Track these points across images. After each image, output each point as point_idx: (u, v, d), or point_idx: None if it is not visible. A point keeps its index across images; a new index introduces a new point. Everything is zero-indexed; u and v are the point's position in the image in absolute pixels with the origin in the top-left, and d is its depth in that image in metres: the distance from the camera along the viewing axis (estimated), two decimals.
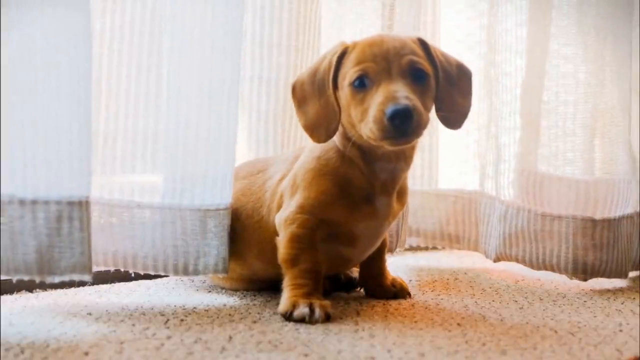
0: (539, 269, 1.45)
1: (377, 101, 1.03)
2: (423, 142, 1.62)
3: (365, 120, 1.05)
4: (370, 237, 1.18)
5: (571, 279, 1.44)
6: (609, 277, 1.43)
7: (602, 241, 1.41)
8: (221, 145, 1.18)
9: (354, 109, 1.08)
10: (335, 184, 1.13)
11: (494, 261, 1.51)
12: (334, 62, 1.11)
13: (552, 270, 1.44)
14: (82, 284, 1.28)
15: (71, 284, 1.26)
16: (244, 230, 1.21)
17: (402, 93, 1.03)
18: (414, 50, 1.09)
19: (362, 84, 1.07)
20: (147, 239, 1.17)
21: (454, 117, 1.15)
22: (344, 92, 1.09)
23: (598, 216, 1.42)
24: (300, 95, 1.15)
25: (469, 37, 1.63)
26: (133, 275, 1.29)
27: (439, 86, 1.12)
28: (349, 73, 1.08)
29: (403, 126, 1.01)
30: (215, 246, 1.18)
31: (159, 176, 1.19)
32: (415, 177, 1.61)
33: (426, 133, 1.57)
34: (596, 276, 1.42)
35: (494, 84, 1.52)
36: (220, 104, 1.17)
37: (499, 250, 1.49)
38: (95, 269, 1.24)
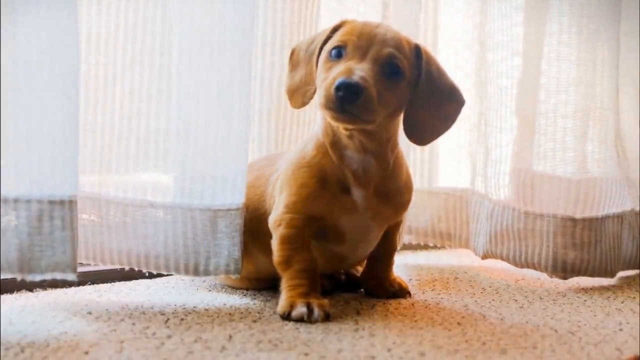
0: (521, 267, 1.46)
1: (336, 71, 1.05)
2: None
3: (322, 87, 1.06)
4: (358, 234, 1.17)
5: (551, 277, 1.45)
6: (591, 276, 1.43)
7: (582, 240, 1.42)
8: (231, 145, 1.18)
9: (321, 76, 1.09)
10: (313, 175, 1.13)
11: (482, 259, 1.52)
12: (327, 32, 1.13)
13: (534, 268, 1.45)
14: (82, 283, 1.28)
15: (71, 284, 1.26)
16: (250, 222, 1.21)
17: (359, 72, 1.03)
18: (402, 48, 1.09)
19: (338, 55, 1.08)
20: (160, 238, 1.18)
21: (420, 133, 1.15)
22: (322, 58, 1.11)
23: (578, 215, 1.42)
24: (295, 60, 1.18)
25: (466, 35, 1.63)
26: (135, 273, 1.29)
27: (417, 95, 1.11)
28: (331, 41, 1.10)
29: (345, 100, 1.01)
30: (226, 247, 1.18)
31: (171, 176, 1.20)
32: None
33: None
34: (577, 275, 1.42)
35: (484, 83, 1.53)
36: (231, 103, 1.18)
37: (486, 248, 1.50)
38: (109, 267, 1.26)
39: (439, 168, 1.68)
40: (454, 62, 1.64)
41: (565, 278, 1.43)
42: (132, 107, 1.19)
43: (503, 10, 1.48)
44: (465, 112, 1.59)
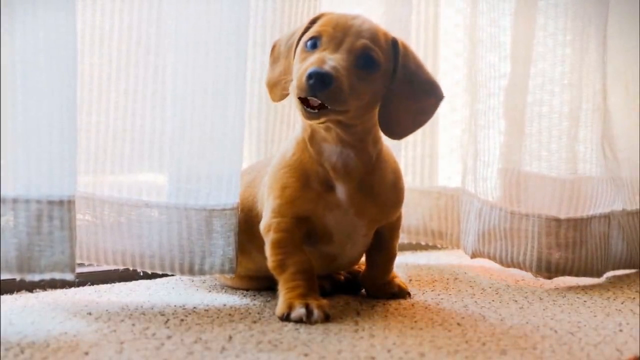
0: (507, 266, 1.47)
1: (309, 61, 1.04)
2: (408, 140, 1.62)
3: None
4: (344, 232, 1.16)
5: (536, 277, 1.46)
6: (577, 275, 1.44)
7: (567, 240, 1.43)
8: (227, 145, 1.19)
9: (296, 66, 1.09)
10: (293, 175, 1.13)
11: (471, 257, 1.53)
12: (305, 24, 1.13)
13: (519, 268, 1.46)
14: (81, 283, 1.28)
15: (71, 284, 1.26)
16: (247, 223, 1.21)
17: (331, 62, 1.03)
18: (377, 40, 1.09)
19: (313, 46, 1.08)
20: (155, 238, 1.18)
21: (393, 126, 1.13)
22: (298, 49, 1.11)
23: (563, 215, 1.43)
24: (276, 54, 1.18)
25: (466, 38, 1.63)
26: (134, 274, 1.29)
27: (393, 88, 1.11)
28: (308, 33, 1.10)
29: (316, 88, 1.01)
30: (221, 246, 1.19)
31: (166, 176, 1.20)
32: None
33: (421, 132, 1.60)
34: (562, 275, 1.44)
35: (474, 84, 1.53)
36: (226, 104, 1.18)
37: (474, 247, 1.51)
38: (109, 267, 1.26)
39: (437, 168, 1.68)
40: (453, 64, 1.65)
41: (549, 278, 1.45)
42: (126, 108, 1.19)
43: (494, 14, 1.49)
44: (464, 113, 1.61)
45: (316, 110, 1.04)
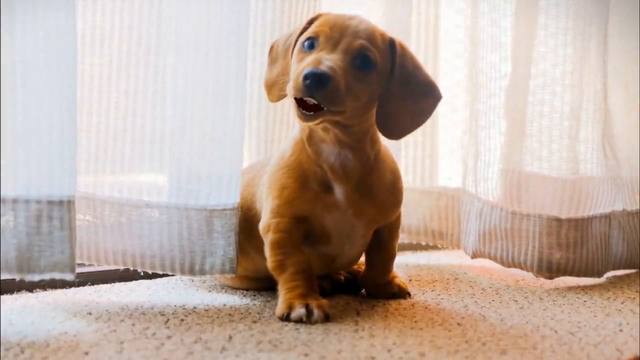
0: (508, 266, 1.47)
1: (306, 62, 1.04)
2: (409, 140, 1.63)
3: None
4: (342, 232, 1.16)
5: (536, 277, 1.46)
6: (577, 275, 1.45)
7: (568, 240, 1.43)
8: (227, 145, 1.19)
9: (294, 67, 1.08)
10: (291, 175, 1.13)
11: (472, 258, 1.53)
12: (303, 25, 1.13)
13: (520, 268, 1.46)
14: (81, 283, 1.28)
15: (71, 284, 1.26)
16: (244, 222, 1.21)
17: (328, 62, 1.03)
18: (374, 40, 1.09)
19: (310, 46, 1.08)
20: (155, 238, 1.18)
21: (391, 126, 1.13)
22: (295, 50, 1.11)
23: (564, 216, 1.44)
24: (274, 55, 1.18)
25: (466, 38, 1.63)
26: (135, 274, 1.29)
27: (390, 89, 1.10)
28: (305, 33, 1.10)
29: (313, 89, 1.00)
30: (222, 246, 1.19)
31: (166, 176, 1.20)
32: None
33: (418, 132, 1.60)
34: (563, 275, 1.44)
35: (475, 85, 1.53)
36: (226, 104, 1.18)
37: (475, 247, 1.51)
38: (109, 267, 1.26)
39: (438, 168, 1.68)
40: (453, 64, 1.65)
41: (550, 278, 1.45)
42: (127, 108, 1.19)
43: (497, 15, 1.49)
44: (464, 114, 1.61)
45: (312, 113, 1.04)
